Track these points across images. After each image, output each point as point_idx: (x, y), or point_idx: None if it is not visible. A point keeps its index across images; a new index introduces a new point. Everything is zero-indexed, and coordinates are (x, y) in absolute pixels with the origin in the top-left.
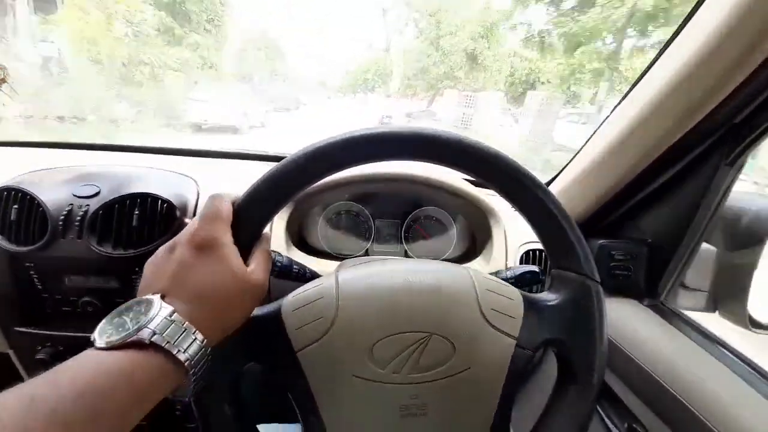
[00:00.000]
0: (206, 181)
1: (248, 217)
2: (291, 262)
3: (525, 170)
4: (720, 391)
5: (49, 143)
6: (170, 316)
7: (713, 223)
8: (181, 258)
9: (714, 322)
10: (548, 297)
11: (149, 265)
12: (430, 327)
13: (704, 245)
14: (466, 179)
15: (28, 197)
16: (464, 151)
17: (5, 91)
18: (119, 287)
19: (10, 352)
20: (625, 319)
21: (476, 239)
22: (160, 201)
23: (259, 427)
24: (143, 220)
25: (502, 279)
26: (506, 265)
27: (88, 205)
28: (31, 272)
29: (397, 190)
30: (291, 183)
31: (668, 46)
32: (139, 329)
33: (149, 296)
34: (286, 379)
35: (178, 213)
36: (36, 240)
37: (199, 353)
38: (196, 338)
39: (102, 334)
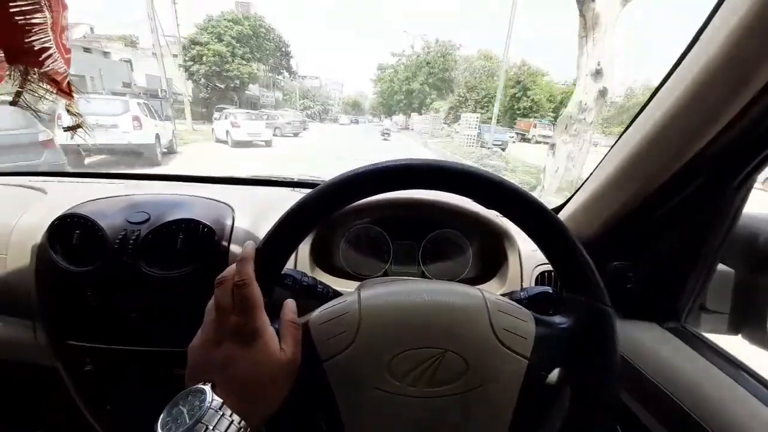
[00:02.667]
0: (240, 206)
1: (268, 259)
2: (315, 281)
3: (532, 197)
4: (742, 417)
5: (103, 174)
6: (219, 408)
7: (727, 245)
8: (227, 353)
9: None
10: (560, 320)
11: (195, 355)
12: (445, 343)
13: (723, 267)
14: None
15: (89, 223)
16: (490, 185)
17: (80, 136)
18: (161, 304)
19: (59, 365)
20: (645, 343)
21: (491, 261)
22: (201, 226)
23: None
24: (186, 243)
25: (517, 300)
26: (521, 286)
27: (139, 230)
28: (86, 290)
29: (414, 214)
30: (301, 224)
31: (673, 72)
32: (195, 423)
33: (201, 386)
34: (313, 389)
35: (216, 237)
36: (93, 261)
37: None
38: (240, 427)
39: (163, 426)
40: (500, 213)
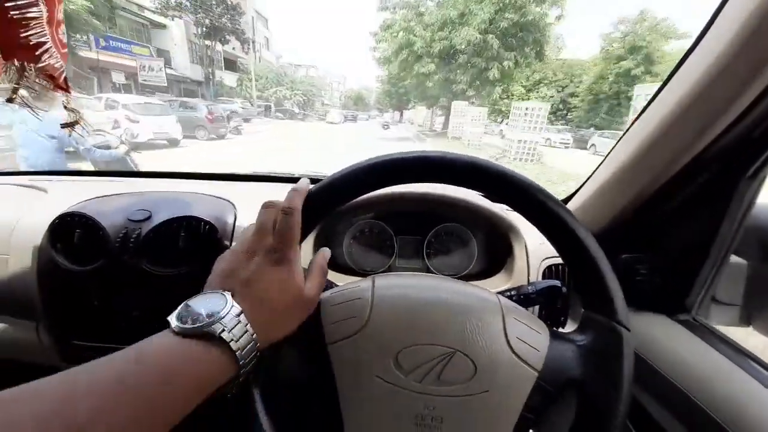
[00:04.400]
0: (242, 203)
1: (313, 208)
2: None
3: (567, 210)
4: (755, 410)
5: (103, 172)
6: (238, 315)
7: (740, 236)
8: (257, 267)
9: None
10: (576, 337)
11: (223, 262)
12: (456, 344)
13: (735, 258)
14: (483, 195)
15: (90, 221)
16: (527, 192)
17: (78, 131)
18: (164, 302)
19: (63, 365)
20: (655, 335)
21: (497, 255)
22: (202, 223)
23: None
24: (188, 240)
25: (524, 294)
26: (528, 280)
27: (140, 228)
28: (89, 289)
29: (418, 208)
30: (354, 187)
31: (684, 61)
32: (212, 322)
33: (222, 293)
34: (316, 369)
35: (218, 235)
36: (95, 260)
37: (252, 354)
38: (252, 338)
39: (178, 319)
40: (525, 217)
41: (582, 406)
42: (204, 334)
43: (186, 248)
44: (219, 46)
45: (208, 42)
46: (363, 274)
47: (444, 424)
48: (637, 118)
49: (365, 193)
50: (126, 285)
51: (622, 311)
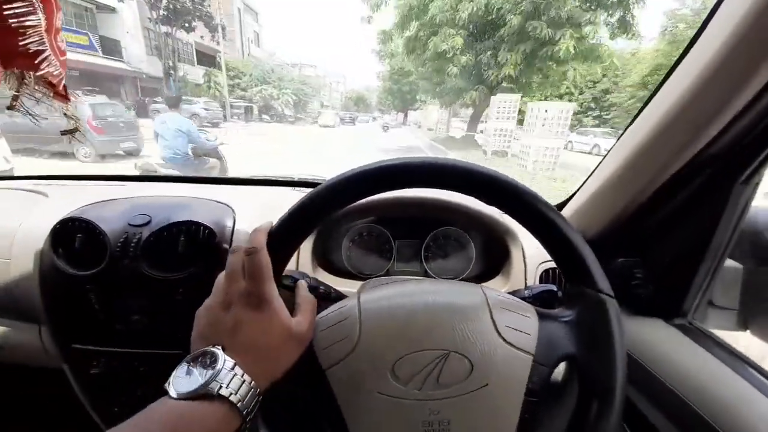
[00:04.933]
0: (241, 207)
1: (280, 242)
2: (317, 282)
3: (529, 190)
4: (750, 414)
5: (104, 176)
6: (232, 368)
7: (735, 240)
8: (236, 317)
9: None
10: (563, 313)
11: (203, 318)
12: (448, 344)
13: (731, 262)
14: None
15: (91, 226)
16: (473, 178)
17: (79, 139)
18: (164, 306)
19: (65, 367)
20: (651, 339)
21: (495, 259)
22: (202, 228)
23: None
24: (187, 245)
25: (521, 298)
26: (525, 284)
27: (141, 232)
28: (90, 294)
29: (417, 212)
30: (318, 211)
31: (677, 66)
32: (208, 383)
33: (212, 349)
34: (317, 396)
35: (216, 239)
36: (96, 265)
37: (253, 401)
38: (251, 388)
39: (175, 384)
40: (499, 209)
41: (581, 381)
42: (202, 395)
43: (185, 253)
44: (186, 36)
45: (166, 28)
46: (361, 277)
47: (452, 426)
48: (630, 123)
49: (336, 211)
50: (126, 289)
51: (599, 278)
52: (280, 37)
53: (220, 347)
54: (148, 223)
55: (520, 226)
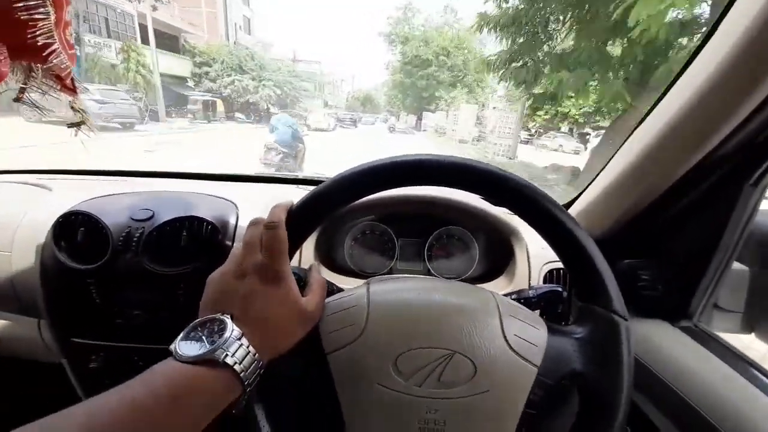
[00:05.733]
0: (245, 204)
1: (299, 222)
2: None
3: (547, 197)
4: (754, 417)
5: (108, 171)
6: (239, 338)
7: (743, 243)
8: (250, 287)
9: None
10: (574, 330)
11: (215, 285)
12: (454, 345)
13: (738, 265)
14: (484, 198)
15: (93, 220)
16: (506, 187)
17: (85, 132)
18: (165, 301)
19: (64, 362)
20: (657, 341)
21: (498, 259)
22: (205, 223)
23: None
24: (190, 241)
25: (525, 299)
26: (529, 284)
27: (143, 227)
28: (91, 288)
29: (420, 211)
30: (341, 197)
31: (688, 67)
32: (215, 349)
33: (222, 317)
34: (316, 379)
35: (219, 235)
36: (98, 259)
37: (255, 372)
38: (255, 358)
39: (181, 347)
40: (516, 214)
41: (584, 399)
42: (207, 360)
43: (188, 248)
44: (127, 3)
45: None
46: (363, 276)
47: (447, 427)
48: (639, 123)
49: (352, 203)
50: (127, 283)
51: (617, 300)
52: (279, 28)
53: (229, 316)
54: (151, 218)
55: (525, 226)
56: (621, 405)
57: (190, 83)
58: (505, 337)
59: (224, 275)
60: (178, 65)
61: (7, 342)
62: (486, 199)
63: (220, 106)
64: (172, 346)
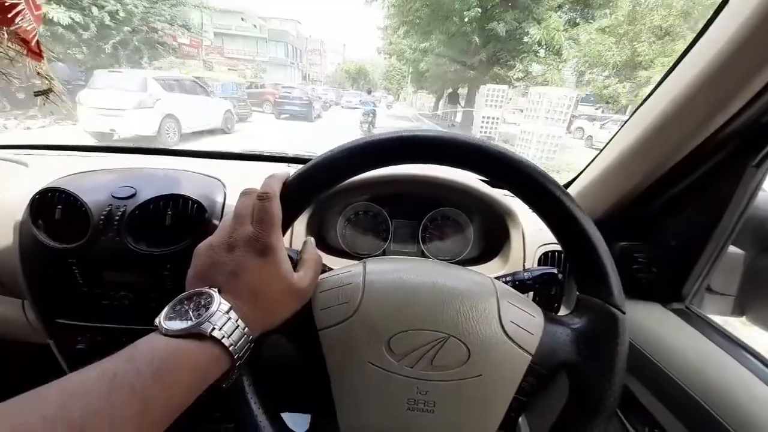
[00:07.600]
0: (232, 182)
1: (294, 194)
2: None
3: (553, 182)
4: (745, 398)
5: (88, 147)
6: (227, 312)
7: (740, 226)
8: (240, 259)
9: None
10: (571, 320)
11: (202, 257)
12: (449, 329)
13: (732, 248)
14: (482, 180)
15: (72, 198)
16: (520, 171)
17: (53, 100)
18: (151, 282)
19: (51, 343)
20: (648, 323)
21: (493, 240)
22: (190, 202)
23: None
24: (175, 219)
25: (520, 280)
26: (524, 266)
27: (125, 205)
28: (73, 268)
29: (414, 191)
30: (340, 172)
31: (692, 46)
32: (201, 323)
33: (208, 290)
34: (306, 355)
35: (206, 214)
36: (78, 238)
37: (245, 346)
38: (244, 333)
39: (167, 320)
40: (519, 197)
41: (575, 389)
42: (195, 334)
43: (173, 227)
44: None
45: None
46: (357, 257)
47: (437, 408)
48: (642, 103)
49: (351, 178)
50: (111, 264)
51: (617, 294)
52: None
53: (216, 289)
54: (133, 195)
55: (520, 207)
56: (611, 397)
57: None
58: (501, 323)
59: (212, 247)
60: None
61: None
62: (484, 180)
63: None
64: (156, 320)
